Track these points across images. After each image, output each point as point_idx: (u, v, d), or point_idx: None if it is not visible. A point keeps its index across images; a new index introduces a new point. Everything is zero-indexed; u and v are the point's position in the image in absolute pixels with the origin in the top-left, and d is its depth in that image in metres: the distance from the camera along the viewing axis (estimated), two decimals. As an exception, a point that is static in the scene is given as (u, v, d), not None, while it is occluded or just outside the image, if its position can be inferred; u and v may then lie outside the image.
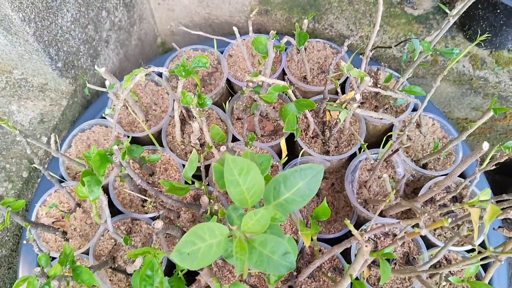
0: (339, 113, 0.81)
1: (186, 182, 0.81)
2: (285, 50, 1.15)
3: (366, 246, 0.63)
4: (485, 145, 0.71)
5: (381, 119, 1.05)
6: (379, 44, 1.16)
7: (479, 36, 1.11)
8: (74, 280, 0.74)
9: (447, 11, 0.84)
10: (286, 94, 1.03)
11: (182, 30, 1.43)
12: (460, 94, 1.22)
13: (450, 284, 0.98)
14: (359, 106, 1.10)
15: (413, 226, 1.02)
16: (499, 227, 0.82)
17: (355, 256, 0.68)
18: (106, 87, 0.90)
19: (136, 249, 0.93)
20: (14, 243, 1.04)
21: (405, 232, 0.82)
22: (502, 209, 0.83)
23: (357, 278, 0.95)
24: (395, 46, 0.91)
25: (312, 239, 0.91)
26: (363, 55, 0.93)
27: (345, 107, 0.84)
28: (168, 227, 0.77)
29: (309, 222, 0.98)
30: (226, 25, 1.31)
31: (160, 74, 1.14)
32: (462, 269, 1.00)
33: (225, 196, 1.00)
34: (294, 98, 0.89)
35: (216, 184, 0.65)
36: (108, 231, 0.97)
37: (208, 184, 1.04)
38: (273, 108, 1.11)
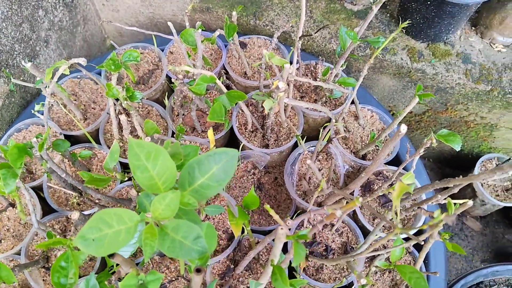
0: (264, 102, 0.81)
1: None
2: (226, 47, 1.15)
3: (281, 229, 0.63)
4: (403, 128, 0.72)
5: (317, 111, 1.06)
6: (318, 38, 1.17)
7: (414, 29, 1.14)
8: (-8, 276, 0.72)
9: (371, 1, 0.86)
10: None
11: (129, 31, 1.42)
12: (401, 87, 1.24)
13: (389, 272, 0.98)
14: (295, 94, 1.11)
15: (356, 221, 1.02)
16: (418, 207, 0.83)
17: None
18: (31, 85, 0.89)
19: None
20: None
21: (324, 219, 0.82)
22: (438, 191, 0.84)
23: (293, 269, 0.95)
24: (315, 33, 0.92)
25: (246, 231, 0.90)
26: (293, 47, 0.94)
27: (272, 96, 0.84)
28: (87, 218, 0.75)
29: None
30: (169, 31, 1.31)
31: (99, 73, 1.12)
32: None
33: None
34: (224, 90, 0.89)
35: (136, 179, 0.64)
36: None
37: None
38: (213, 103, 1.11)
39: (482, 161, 1.37)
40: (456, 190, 0.84)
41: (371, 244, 0.82)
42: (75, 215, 0.69)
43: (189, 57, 0.96)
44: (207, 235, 0.69)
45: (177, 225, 0.53)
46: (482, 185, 1.34)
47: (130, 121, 1.08)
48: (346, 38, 0.92)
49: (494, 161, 1.38)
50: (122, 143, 1.05)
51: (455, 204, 0.71)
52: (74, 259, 0.67)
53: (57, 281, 0.67)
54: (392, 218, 0.84)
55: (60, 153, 0.89)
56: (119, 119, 1.05)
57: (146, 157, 0.52)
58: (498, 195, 1.35)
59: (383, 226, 1.06)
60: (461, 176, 0.83)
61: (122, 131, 1.05)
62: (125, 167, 1.02)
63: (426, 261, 1.00)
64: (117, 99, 0.98)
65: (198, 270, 0.60)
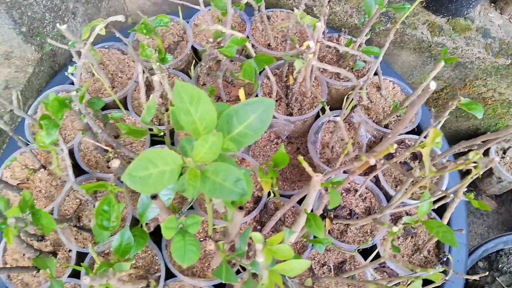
0: (295, 62, 0.84)
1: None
2: (249, 19, 1.17)
3: (316, 176, 0.65)
4: (433, 84, 0.74)
5: (341, 79, 1.08)
6: (340, 12, 1.19)
7: (435, 3, 1.16)
8: (34, 224, 0.74)
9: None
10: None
11: (151, 9, 1.45)
12: (421, 63, 1.26)
13: (411, 237, 1.00)
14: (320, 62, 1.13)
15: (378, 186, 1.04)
16: (448, 160, 0.85)
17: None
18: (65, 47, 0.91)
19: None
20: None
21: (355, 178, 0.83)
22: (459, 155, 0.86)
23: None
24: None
25: (274, 193, 0.93)
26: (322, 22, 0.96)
27: (301, 57, 0.86)
28: (125, 167, 0.78)
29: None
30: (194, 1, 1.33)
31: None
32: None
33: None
34: (253, 53, 0.91)
35: (174, 127, 0.66)
36: (73, 191, 0.98)
37: (173, 144, 1.06)
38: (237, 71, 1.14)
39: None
40: (480, 151, 0.86)
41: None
42: (115, 163, 0.71)
43: (218, 22, 0.98)
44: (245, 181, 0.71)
45: (217, 168, 0.54)
46: (499, 162, 1.35)
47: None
48: (371, 4, 0.94)
49: (511, 139, 1.40)
50: (149, 110, 1.07)
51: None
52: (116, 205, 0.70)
53: (100, 223, 0.70)
54: (420, 176, 0.86)
55: (92, 113, 0.92)
56: (146, 86, 1.07)
57: (190, 100, 0.54)
58: (514, 172, 1.36)
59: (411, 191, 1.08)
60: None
61: (149, 98, 1.08)
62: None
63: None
64: (144, 69, 1.01)
65: (240, 208, 0.63)
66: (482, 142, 0.82)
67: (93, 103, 0.85)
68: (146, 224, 0.83)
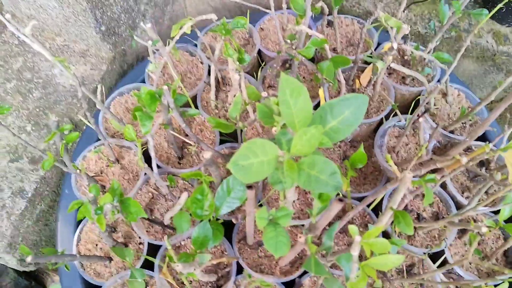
0: (378, 62, 0.85)
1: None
2: (315, 25, 1.20)
3: (409, 173, 0.66)
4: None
5: (408, 84, 1.09)
6: (404, 20, 1.21)
7: (500, 13, 1.16)
8: (123, 211, 0.77)
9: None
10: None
11: (211, 13, 1.48)
12: (482, 72, 1.26)
13: (478, 244, 0.99)
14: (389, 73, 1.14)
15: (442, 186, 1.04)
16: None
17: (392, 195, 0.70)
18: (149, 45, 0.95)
19: (174, 199, 0.97)
20: (52, 200, 1.07)
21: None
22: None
23: (387, 234, 0.97)
24: None
25: (347, 196, 0.94)
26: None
27: (383, 59, 0.88)
28: (214, 162, 0.80)
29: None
30: (255, 9, 1.37)
31: (195, 45, 1.18)
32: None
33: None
34: (329, 55, 0.93)
35: (261, 121, 0.68)
36: (146, 185, 1.01)
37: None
38: (303, 78, 1.16)
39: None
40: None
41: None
42: (207, 154, 0.73)
43: (297, 24, 1.01)
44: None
45: (313, 160, 0.56)
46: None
47: (224, 90, 1.13)
48: (446, 11, 0.95)
49: None
50: (217, 110, 1.10)
51: None
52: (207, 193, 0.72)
53: (194, 211, 0.72)
54: (501, 179, 0.86)
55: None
56: (216, 86, 1.10)
57: (291, 93, 0.56)
58: None
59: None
60: None
61: (218, 99, 1.11)
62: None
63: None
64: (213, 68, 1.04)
65: (340, 200, 0.64)
66: None
67: (177, 99, 0.88)
68: (233, 214, 0.85)
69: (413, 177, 1.00)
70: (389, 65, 1.12)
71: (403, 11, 0.94)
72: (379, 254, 0.58)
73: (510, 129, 0.94)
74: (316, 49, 1.03)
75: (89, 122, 0.91)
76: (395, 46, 0.82)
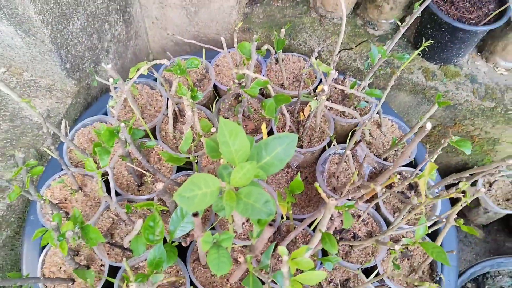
0: (311, 102, 0.97)
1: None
2: (265, 62, 1.32)
3: (332, 200, 0.77)
4: (428, 125, 0.88)
5: (346, 117, 1.22)
6: (345, 57, 1.34)
7: (429, 52, 1.31)
8: (83, 237, 0.85)
9: (398, 22, 1.03)
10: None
11: (172, 48, 1.60)
12: (416, 103, 1.41)
13: (407, 259, 1.12)
14: (327, 101, 1.27)
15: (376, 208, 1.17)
16: (441, 190, 0.98)
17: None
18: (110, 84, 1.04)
19: (133, 224, 1.05)
20: (18, 225, 1.14)
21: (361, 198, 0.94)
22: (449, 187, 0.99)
23: (326, 253, 1.09)
24: (356, 46, 1.09)
25: (288, 217, 1.05)
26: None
27: (316, 99, 1.00)
28: (166, 192, 0.90)
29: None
30: (213, 42, 1.48)
31: (155, 79, 1.28)
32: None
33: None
34: (273, 93, 1.05)
35: (208, 156, 0.78)
36: (107, 211, 1.09)
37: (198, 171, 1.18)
38: (255, 110, 1.27)
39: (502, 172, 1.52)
40: (469, 183, 0.99)
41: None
42: (159, 185, 0.83)
43: (244, 65, 1.13)
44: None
45: (250, 191, 0.67)
46: (485, 194, 1.49)
47: (182, 121, 1.23)
48: (375, 54, 1.09)
49: (496, 173, 1.54)
50: (175, 139, 1.20)
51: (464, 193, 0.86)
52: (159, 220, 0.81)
53: (146, 237, 0.81)
54: (417, 202, 0.99)
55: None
56: (174, 118, 1.20)
57: (229, 134, 0.67)
58: (499, 204, 1.50)
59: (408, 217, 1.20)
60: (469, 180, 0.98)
61: (175, 130, 1.21)
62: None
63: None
64: (170, 102, 1.14)
65: (270, 225, 0.75)
66: (470, 175, 0.95)
67: (134, 133, 0.98)
68: (184, 238, 0.94)
69: (349, 199, 1.13)
70: (327, 100, 1.25)
71: (337, 55, 1.07)
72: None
73: (431, 157, 1.07)
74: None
75: (53, 154, 1.00)
76: (325, 88, 0.94)
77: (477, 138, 1.45)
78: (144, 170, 1.04)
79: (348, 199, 1.15)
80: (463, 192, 0.90)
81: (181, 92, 0.99)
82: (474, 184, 1.50)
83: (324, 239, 0.83)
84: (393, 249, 0.87)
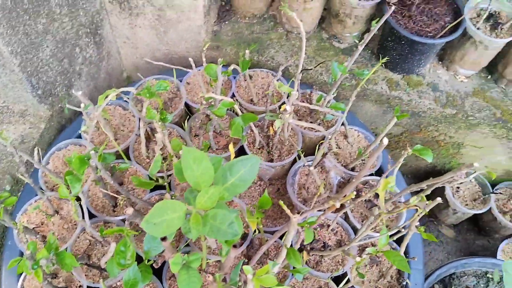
0: (276, 121, 1.02)
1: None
2: (234, 78, 1.36)
3: (294, 217, 0.81)
4: (385, 141, 0.93)
5: (314, 130, 1.26)
6: (312, 72, 1.39)
7: (392, 63, 1.37)
8: (59, 263, 0.88)
9: (357, 41, 1.08)
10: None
11: (145, 65, 1.63)
12: (381, 112, 1.46)
13: (376, 265, 1.17)
14: (294, 118, 1.32)
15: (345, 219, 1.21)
16: (399, 202, 1.03)
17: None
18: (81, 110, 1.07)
19: (109, 245, 1.08)
20: (-4, 251, 1.16)
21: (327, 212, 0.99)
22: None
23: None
24: (315, 67, 1.14)
25: (259, 230, 1.09)
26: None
27: (280, 117, 1.04)
28: (137, 215, 0.93)
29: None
30: (184, 59, 1.52)
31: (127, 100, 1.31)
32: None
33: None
34: (240, 113, 1.09)
35: (176, 178, 0.82)
36: (83, 233, 1.12)
37: (170, 189, 1.21)
38: (226, 127, 1.31)
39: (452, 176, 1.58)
40: (428, 191, 1.05)
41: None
42: (129, 211, 0.86)
43: (211, 86, 1.16)
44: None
45: (216, 213, 0.70)
46: (453, 195, 1.55)
47: (155, 140, 1.27)
48: (337, 71, 1.13)
49: (463, 175, 1.60)
50: (148, 159, 1.23)
51: (428, 199, 0.92)
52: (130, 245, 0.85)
53: (118, 262, 0.84)
54: (378, 213, 1.04)
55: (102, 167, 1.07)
56: (146, 138, 1.24)
57: (193, 160, 0.71)
58: (467, 204, 1.56)
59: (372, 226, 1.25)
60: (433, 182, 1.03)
61: (148, 149, 1.24)
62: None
63: (407, 255, 1.19)
64: (144, 124, 1.17)
65: (234, 246, 0.79)
66: (428, 185, 1.00)
67: (105, 158, 1.01)
68: (154, 261, 0.98)
69: (319, 210, 1.17)
70: (294, 115, 1.29)
71: (300, 73, 1.11)
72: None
73: (393, 168, 1.12)
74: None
75: (27, 180, 1.02)
76: (288, 108, 0.99)
77: (443, 143, 1.51)
78: (116, 193, 1.07)
79: (319, 210, 1.19)
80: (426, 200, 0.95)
81: (150, 115, 1.03)
82: (443, 188, 1.57)
83: (289, 254, 0.87)
84: (356, 261, 0.91)
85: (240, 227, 0.84)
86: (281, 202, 0.90)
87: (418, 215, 0.94)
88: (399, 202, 1.07)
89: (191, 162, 0.71)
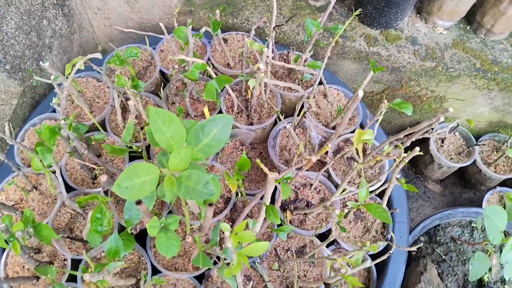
0: (249, 81, 0.99)
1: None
2: (209, 43, 1.33)
3: (270, 174, 0.80)
4: (360, 92, 0.91)
5: (292, 90, 1.24)
6: (288, 31, 1.36)
7: (369, 18, 1.34)
8: (36, 235, 0.87)
9: (329, -6, 1.05)
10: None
11: (119, 36, 1.59)
12: (362, 70, 1.44)
13: (361, 221, 1.17)
14: (273, 76, 1.30)
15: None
16: (377, 152, 1.02)
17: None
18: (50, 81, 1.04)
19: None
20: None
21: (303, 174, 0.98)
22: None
23: (282, 222, 1.13)
24: (286, 22, 1.11)
25: (241, 193, 1.08)
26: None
27: (254, 77, 1.02)
28: (112, 181, 0.91)
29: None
30: (157, 28, 1.48)
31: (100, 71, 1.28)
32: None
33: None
34: (214, 75, 1.06)
35: (151, 145, 0.80)
36: (64, 207, 1.10)
37: (149, 158, 1.19)
38: (202, 92, 1.29)
39: (436, 130, 1.58)
40: (408, 143, 1.04)
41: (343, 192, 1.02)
42: (103, 178, 0.85)
43: (182, 50, 1.13)
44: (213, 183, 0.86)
45: (190, 174, 0.69)
46: (438, 150, 1.55)
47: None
48: (311, 27, 1.11)
49: (446, 129, 1.60)
50: (126, 130, 1.21)
51: (406, 152, 0.91)
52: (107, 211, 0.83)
53: (94, 229, 0.83)
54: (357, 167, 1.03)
55: (77, 137, 1.05)
56: (122, 108, 1.21)
57: (162, 122, 0.69)
58: (452, 159, 1.56)
59: (353, 182, 1.24)
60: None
61: (125, 120, 1.22)
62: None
63: (390, 208, 1.19)
64: (118, 94, 1.14)
65: (210, 204, 0.78)
66: (406, 135, 1.00)
67: (78, 128, 0.99)
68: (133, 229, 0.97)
69: (297, 169, 1.17)
70: (272, 77, 1.27)
71: (272, 31, 1.08)
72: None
73: (372, 122, 1.11)
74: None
75: (1, 157, 1.00)
76: (261, 66, 0.96)
77: (425, 98, 1.50)
78: (93, 163, 1.06)
79: (297, 169, 1.19)
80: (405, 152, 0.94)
81: (121, 83, 1.00)
82: (428, 142, 1.56)
83: (268, 211, 0.87)
84: (337, 214, 0.91)
85: (217, 186, 0.83)
86: (258, 161, 0.89)
87: (397, 165, 0.93)
88: (377, 153, 1.06)
89: (160, 124, 0.69)
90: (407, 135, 1.01)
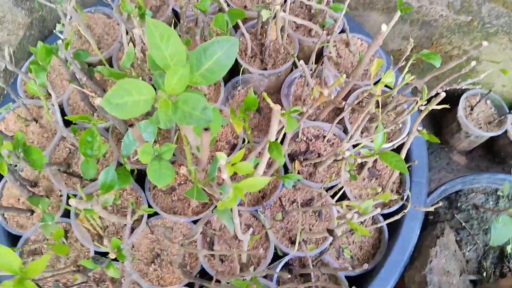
0: (262, 11, 0.91)
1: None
2: (227, -16, 1.25)
3: (276, 107, 0.73)
4: (384, 27, 0.82)
5: (311, 36, 1.16)
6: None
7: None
8: (25, 158, 0.83)
9: None
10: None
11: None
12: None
13: (376, 178, 1.09)
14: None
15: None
16: (399, 95, 0.94)
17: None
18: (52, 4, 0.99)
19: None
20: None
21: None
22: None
23: (289, 172, 1.06)
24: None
25: (249, 139, 1.01)
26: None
27: (269, 8, 0.94)
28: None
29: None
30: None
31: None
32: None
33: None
34: (226, 8, 0.99)
35: (150, 68, 0.74)
36: (63, 141, 1.06)
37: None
38: (216, 34, 1.21)
39: (466, 97, 1.47)
40: (434, 91, 0.95)
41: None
42: (98, 100, 0.79)
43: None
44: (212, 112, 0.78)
45: (187, 98, 0.62)
46: (466, 118, 1.44)
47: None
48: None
49: (477, 96, 1.48)
50: (133, 68, 1.15)
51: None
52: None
53: (84, 152, 0.78)
54: (375, 112, 0.94)
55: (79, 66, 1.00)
56: (130, 40, 1.15)
57: (160, 37, 0.62)
58: (481, 127, 1.45)
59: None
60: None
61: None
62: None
63: (409, 168, 1.10)
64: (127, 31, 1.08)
65: (206, 129, 0.71)
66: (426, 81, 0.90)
67: (79, 54, 0.93)
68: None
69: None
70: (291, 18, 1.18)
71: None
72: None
73: (396, 69, 1.02)
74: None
75: (1, 85, 0.96)
76: (276, -5, 0.88)
77: (456, 58, 1.38)
78: (93, 93, 1.00)
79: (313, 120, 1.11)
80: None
81: (126, 8, 0.94)
82: (456, 108, 1.45)
83: (271, 147, 0.79)
84: (349, 161, 0.83)
85: (217, 116, 0.75)
86: (264, 94, 0.81)
87: (420, 111, 0.84)
88: (400, 94, 0.97)
89: (157, 39, 0.62)
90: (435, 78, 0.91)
